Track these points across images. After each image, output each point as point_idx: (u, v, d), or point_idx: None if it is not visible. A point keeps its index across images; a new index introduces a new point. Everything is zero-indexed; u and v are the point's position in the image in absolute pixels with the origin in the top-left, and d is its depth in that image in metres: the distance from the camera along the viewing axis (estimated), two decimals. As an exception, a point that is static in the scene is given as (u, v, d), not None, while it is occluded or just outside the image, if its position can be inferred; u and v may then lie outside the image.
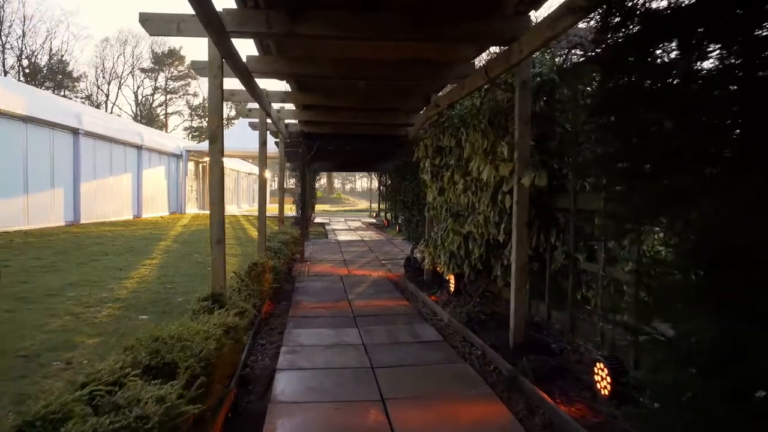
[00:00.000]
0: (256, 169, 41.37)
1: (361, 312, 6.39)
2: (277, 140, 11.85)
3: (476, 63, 5.84)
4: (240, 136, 24.20)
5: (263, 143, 8.11)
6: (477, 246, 5.35)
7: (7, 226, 13.16)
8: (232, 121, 39.94)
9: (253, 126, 10.92)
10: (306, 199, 16.40)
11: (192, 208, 29.30)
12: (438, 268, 6.75)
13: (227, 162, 34.67)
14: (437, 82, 6.84)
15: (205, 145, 29.27)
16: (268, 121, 8.22)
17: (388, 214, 25.50)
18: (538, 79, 4.74)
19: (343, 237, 17.29)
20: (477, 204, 5.23)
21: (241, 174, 39.47)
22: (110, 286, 7.61)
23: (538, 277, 4.77)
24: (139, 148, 21.56)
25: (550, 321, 4.67)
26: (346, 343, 5.12)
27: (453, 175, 5.88)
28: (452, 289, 6.85)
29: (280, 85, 7.85)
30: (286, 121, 10.67)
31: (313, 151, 10.56)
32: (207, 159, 31.14)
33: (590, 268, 4.10)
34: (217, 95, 4.50)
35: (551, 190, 4.59)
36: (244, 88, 6.06)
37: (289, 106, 9.24)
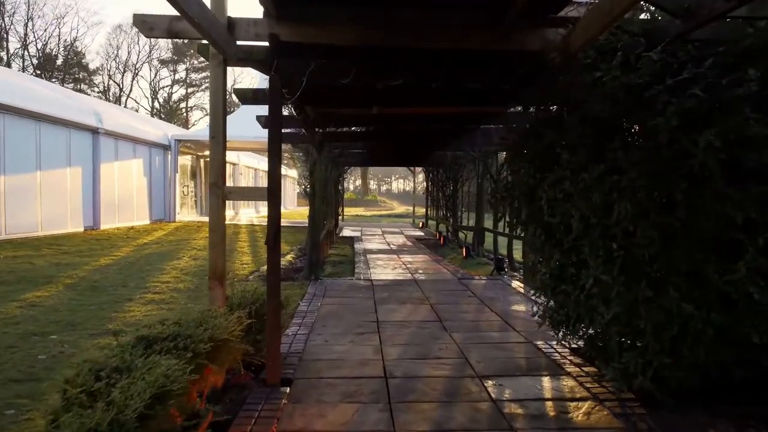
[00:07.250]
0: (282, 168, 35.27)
1: None
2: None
3: None
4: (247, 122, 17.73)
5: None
6: None
7: None
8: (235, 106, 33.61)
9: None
10: (315, 208, 9.68)
11: (189, 215, 23.15)
12: None
13: (241, 157, 28.23)
14: None
15: (202, 134, 23.04)
16: None
17: (441, 226, 18.69)
18: None
19: (380, 271, 10.41)
20: None
21: (259, 172, 33.33)
22: None
23: None
24: (94, 132, 15.39)
25: None
26: None
27: None
28: None
29: None
30: (239, 15, 4.08)
31: (301, 89, 3.91)
32: (208, 152, 24.94)
33: None
34: None
35: None
36: None
37: None
